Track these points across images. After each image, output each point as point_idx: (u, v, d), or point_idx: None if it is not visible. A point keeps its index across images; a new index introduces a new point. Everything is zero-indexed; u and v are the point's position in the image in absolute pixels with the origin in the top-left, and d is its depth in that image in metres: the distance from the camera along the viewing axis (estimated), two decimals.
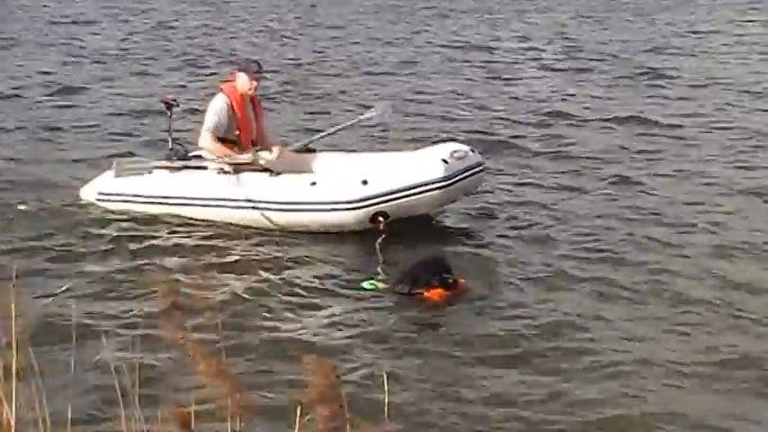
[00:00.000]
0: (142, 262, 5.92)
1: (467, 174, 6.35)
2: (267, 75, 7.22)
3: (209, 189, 6.52)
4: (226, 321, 4.75)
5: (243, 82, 6.69)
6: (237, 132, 6.66)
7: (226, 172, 6.53)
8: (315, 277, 5.68)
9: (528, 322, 4.94)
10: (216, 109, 6.58)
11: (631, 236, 6.40)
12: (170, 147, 6.97)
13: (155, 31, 18.31)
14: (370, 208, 6.12)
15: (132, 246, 6.19)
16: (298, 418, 2.33)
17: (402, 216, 6.20)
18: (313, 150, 7.05)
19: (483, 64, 14.55)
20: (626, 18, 20.82)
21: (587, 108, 11.04)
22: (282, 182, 6.40)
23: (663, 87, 12.34)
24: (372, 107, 7.57)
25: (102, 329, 4.62)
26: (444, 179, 6.13)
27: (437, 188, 6.13)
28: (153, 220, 6.65)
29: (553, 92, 12.20)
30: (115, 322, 4.94)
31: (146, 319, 4.70)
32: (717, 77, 12.86)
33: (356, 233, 6.24)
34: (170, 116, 7.06)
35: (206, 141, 6.58)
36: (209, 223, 6.57)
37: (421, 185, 6.10)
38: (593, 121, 10.34)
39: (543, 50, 15.99)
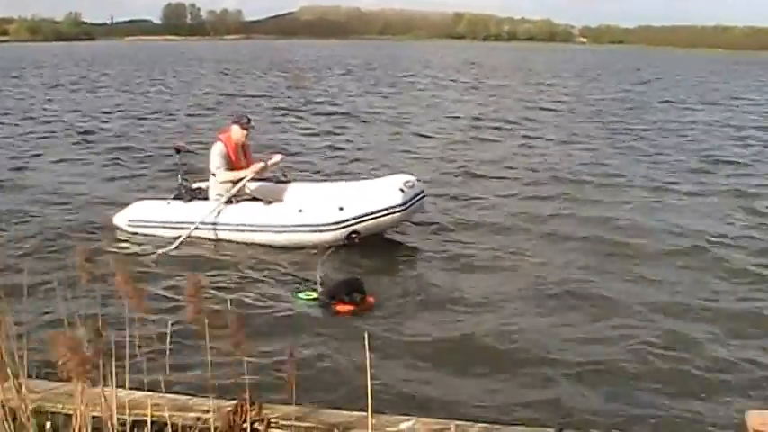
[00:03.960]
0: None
1: (416, 200, 8.23)
2: (254, 125, 8.91)
3: (216, 216, 8.20)
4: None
5: (236, 132, 8.43)
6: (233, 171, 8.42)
7: (229, 203, 8.29)
8: (263, 284, 7.09)
9: (420, 337, 5.87)
10: (218, 153, 8.31)
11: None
12: (179, 182, 8.72)
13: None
14: (346, 228, 7.91)
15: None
16: None
17: (370, 233, 8.04)
18: (288, 181, 8.84)
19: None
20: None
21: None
22: (275, 209, 8.17)
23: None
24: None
25: None
26: (402, 205, 7.97)
27: (397, 212, 7.95)
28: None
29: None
30: None
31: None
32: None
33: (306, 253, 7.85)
34: (180, 158, 8.81)
35: (223, 175, 8.30)
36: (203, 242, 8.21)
37: (385, 210, 7.92)
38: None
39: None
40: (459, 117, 20.88)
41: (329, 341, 5.75)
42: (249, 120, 8.64)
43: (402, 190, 8.06)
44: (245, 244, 8.16)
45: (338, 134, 17.52)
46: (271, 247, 8.07)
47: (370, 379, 2.83)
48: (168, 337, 3.77)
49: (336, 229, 7.91)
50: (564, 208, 10.32)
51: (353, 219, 7.89)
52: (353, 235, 7.94)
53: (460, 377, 5.26)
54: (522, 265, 7.83)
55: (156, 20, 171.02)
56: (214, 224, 8.21)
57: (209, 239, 8.28)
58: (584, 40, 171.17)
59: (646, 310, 6.53)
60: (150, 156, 14.06)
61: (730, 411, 4.63)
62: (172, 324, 3.94)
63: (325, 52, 75.16)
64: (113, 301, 3.74)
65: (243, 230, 8.14)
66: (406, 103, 24.73)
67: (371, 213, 7.92)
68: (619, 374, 5.29)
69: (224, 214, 8.21)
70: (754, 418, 3.05)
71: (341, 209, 7.92)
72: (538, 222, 9.48)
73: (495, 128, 18.78)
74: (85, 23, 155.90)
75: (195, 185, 8.79)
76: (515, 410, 4.66)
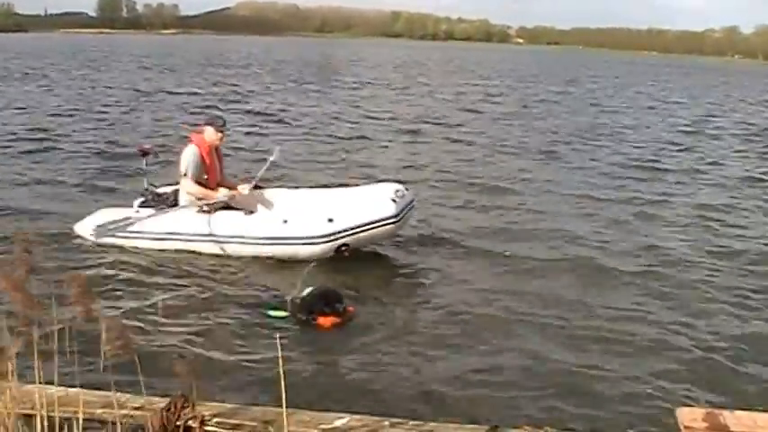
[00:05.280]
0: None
1: (408, 209, 7.64)
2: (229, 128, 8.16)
3: (192, 226, 7.47)
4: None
5: (210, 134, 7.69)
6: (206, 176, 7.69)
7: (205, 212, 7.56)
8: (234, 299, 6.50)
9: (407, 346, 5.70)
10: (190, 157, 7.57)
11: None
12: (145, 187, 7.95)
13: None
14: (336, 241, 7.28)
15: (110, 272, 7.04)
16: None
17: (361, 246, 7.43)
18: (261, 187, 8.12)
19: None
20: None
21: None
22: (258, 219, 7.46)
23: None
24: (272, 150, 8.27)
25: None
26: (395, 216, 7.34)
27: (391, 223, 7.34)
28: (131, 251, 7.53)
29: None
30: None
31: None
32: None
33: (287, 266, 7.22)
34: (145, 162, 8.03)
35: (189, 186, 7.56)
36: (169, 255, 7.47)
37: (378, 221, 7.29)
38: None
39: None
40: (386, 118, 20.18)
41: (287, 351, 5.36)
42: (225, 122, 7.91)
43: (394, 200, 7.44)
44: (223, 256, 7.45)
45: (256, 134, 16.66)
46: (251, 259, 7.40)
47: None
48: (103, 335, 3.38)
49: (326, 242, 7.27)
50: (493, 217, 9.99)
51: (344, 231, 7.26)
52: (343, 248, 7.31)
53: (407, 379, 5.24)
54: (450, 273, 7.55)
55: (92, 12, 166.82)
56: (190, 234, 7.47)
57: (184, 250, 7.52)
58: (521, 40, 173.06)
59: (578, 312, 6.56)
60: (88, 158, 13.03)
61: (661, 409, 4.68)
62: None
63: (254, 50, 73.03)
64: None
65: (222, 241, 7.42)
66: (331, 104, 23.79)
67: (364, 225, 7.29)
68: (550, 374, 5.34)
69: (201, 224, 7.47)
70: (684, 414, 3.08)
71: (330, 220, 7.28)
72: (460, 232, 8.96)
73: (415, 131, 18.11)
74: (18, 14, 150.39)
75: (161, 190, 8.03)
76: (451, 408, 4.68)
